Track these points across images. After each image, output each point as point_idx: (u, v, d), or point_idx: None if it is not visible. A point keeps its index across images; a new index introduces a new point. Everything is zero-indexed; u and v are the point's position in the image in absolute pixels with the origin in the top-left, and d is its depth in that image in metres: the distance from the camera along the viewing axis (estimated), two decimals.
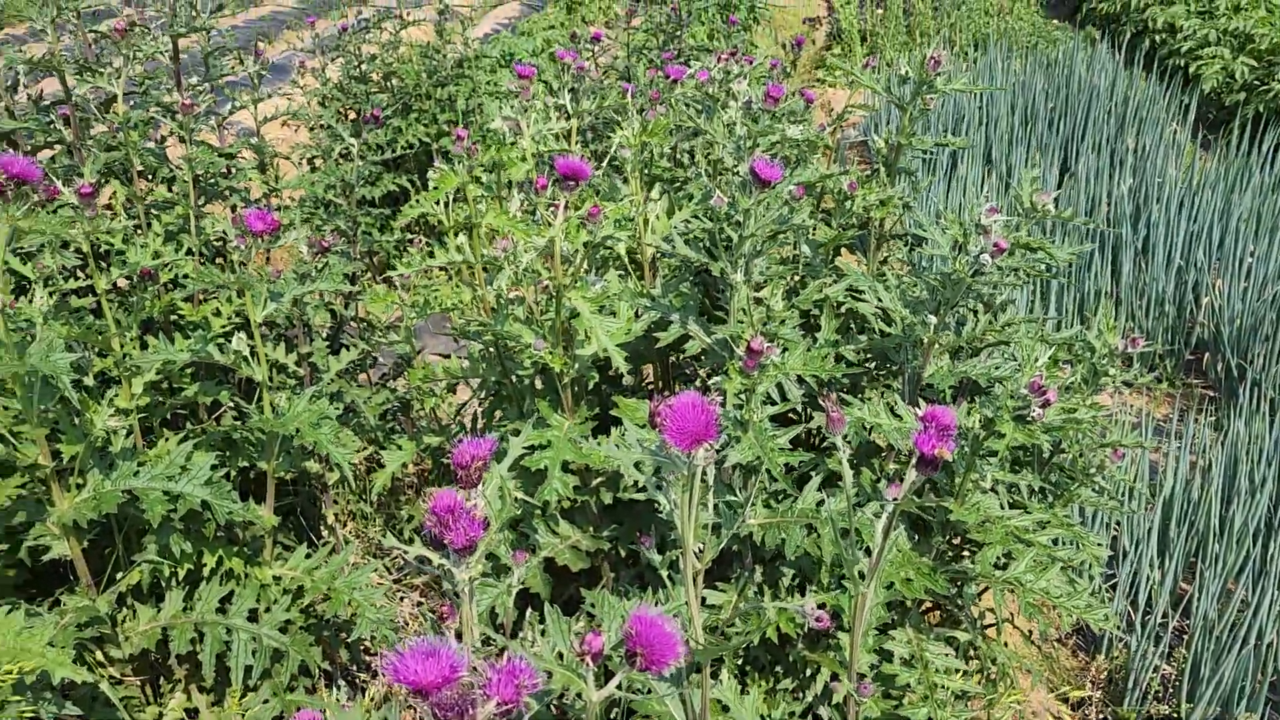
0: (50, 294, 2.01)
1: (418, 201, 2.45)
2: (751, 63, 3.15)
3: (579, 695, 1.17)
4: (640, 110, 2.40)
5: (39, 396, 2.05)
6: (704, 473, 1.31)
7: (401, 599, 3.12)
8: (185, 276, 2.51)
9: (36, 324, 2.02)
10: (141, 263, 2.24)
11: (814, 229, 2.64)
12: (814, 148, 2.79)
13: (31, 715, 1.96)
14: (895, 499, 1.26)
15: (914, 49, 10.64)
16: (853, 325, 2.52)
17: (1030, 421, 1.96)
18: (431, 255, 2.39)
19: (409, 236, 4.80)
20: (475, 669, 0.96)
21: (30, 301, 2.07)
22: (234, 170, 2.93)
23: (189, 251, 2.54)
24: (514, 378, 2.55)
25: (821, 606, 1.93)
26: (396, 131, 5.68)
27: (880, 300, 2.31)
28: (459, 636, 1.32)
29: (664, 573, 1.61)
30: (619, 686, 1.11)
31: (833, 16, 13.46)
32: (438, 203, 2.75)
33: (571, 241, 2.00)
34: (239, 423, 2.46)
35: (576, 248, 2.02)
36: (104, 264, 2.24)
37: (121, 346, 2.23)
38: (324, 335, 3.00)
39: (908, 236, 2.82)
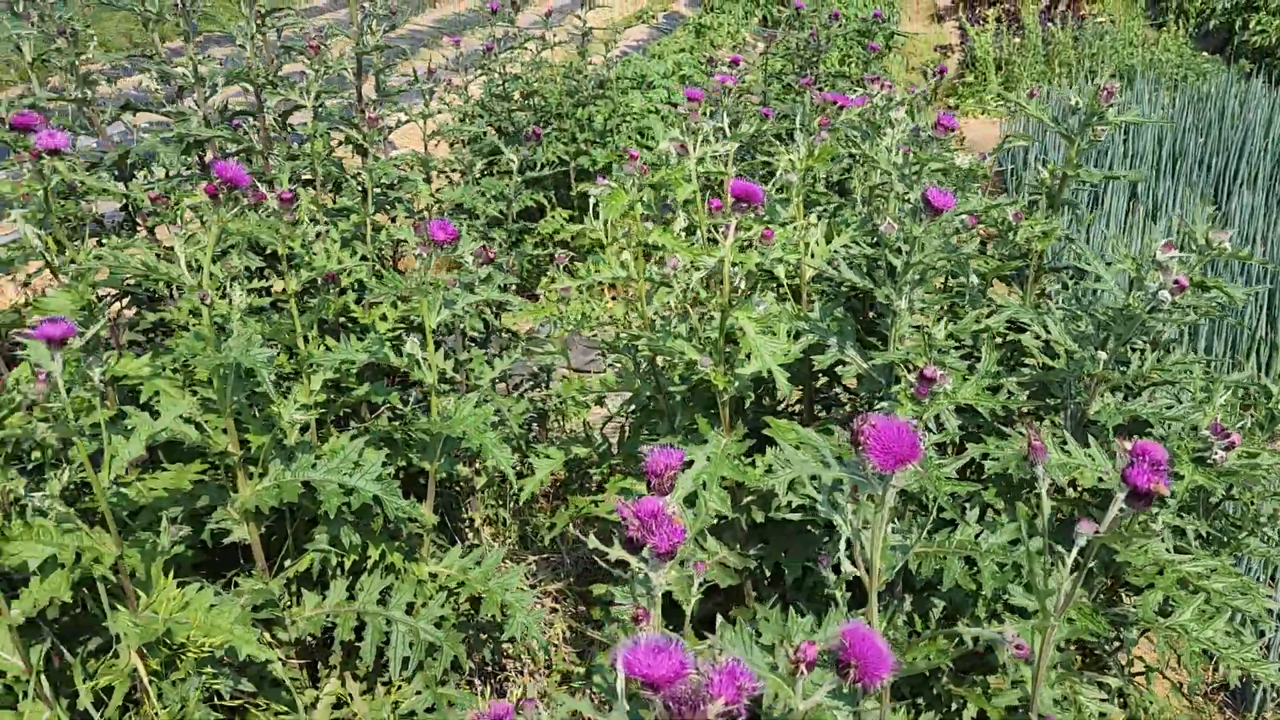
0: (245, 293, 2.14)
1: (572, 218, 2.53)
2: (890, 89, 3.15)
3: (775, 699, 1.20)
4: (806, 133, 2.43)
5: (231, 389, 2.18)
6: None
7: (537, 603, 3.19)
8: (359, 282, 2.64)
9: (232, 320, 2.15)
10: (328, 267, 2.36)
11: (973, 259, 2.62)
12: (974, 177, 2.77)
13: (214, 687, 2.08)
14: (1096, 532, 1.25)
15: (1053, 80, 10.41)
16: (1011, 357, 2.49)
17: (1210, 464, 1.91)
18: (597, 270, 2.46)
19: (546, 251, 4.92)
20: (697, 668, 0.99)
21: (225, 299, 2.21)
22: (401, 181, 3.06)
23: (363, 257, 2.67)
24: (666, 393, 2.59)
25: (975, 641, 1.92)
26: (534, 149, 5.81)
27: (1047, 333, 2.28)
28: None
29: (838, 593, 1.62)
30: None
31: (965, 45, 13.27)
32: (595, 218, 2.83)
33: (741, 263, 2.04)
34: (397, 423, 2.56)
35: (748, 268, 2.06)
36: (291, 267, 2.37)
37: (304, 345, 2.36)
38: (478, 343, 3.10)
39: (1066, 269, 2.78)
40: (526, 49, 6.09)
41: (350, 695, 2.58)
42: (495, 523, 3.48)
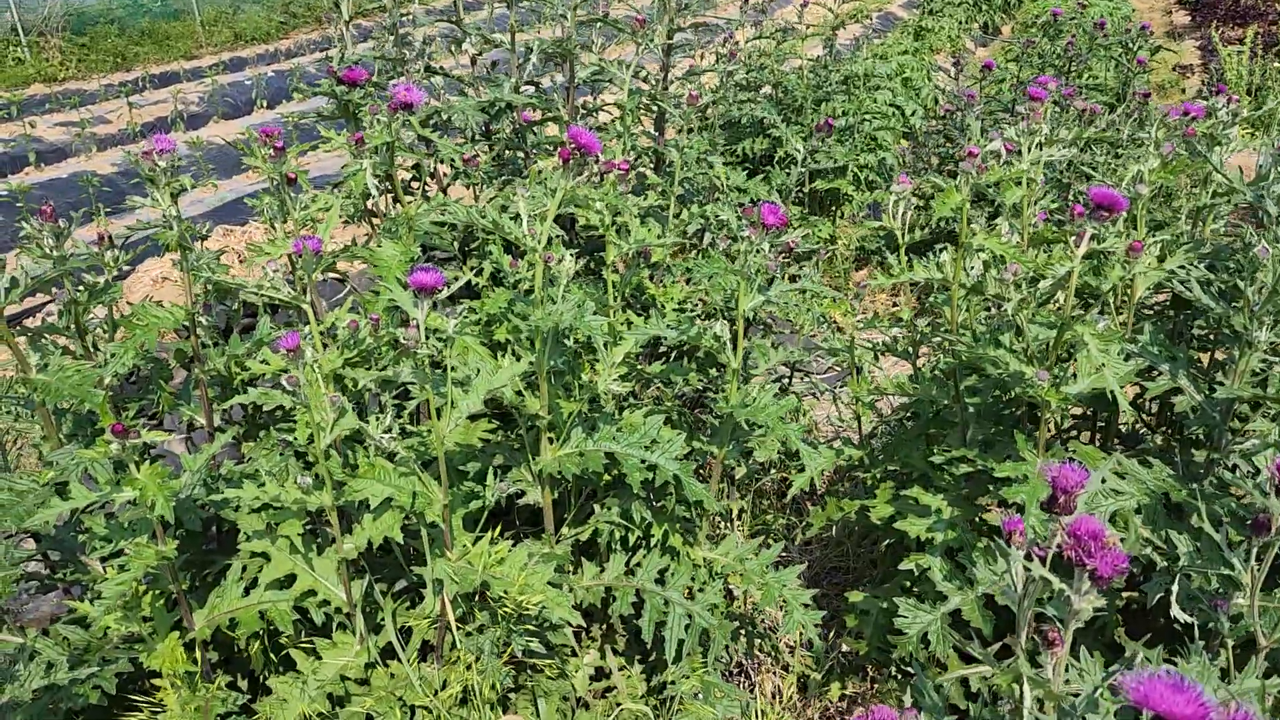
0: (574, 258, 2.16)
1: (806, 215, 2.44)
2: (1235, 101, 2.92)
3: None
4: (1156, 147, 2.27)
5: (549, 351, 2.20)
6: None
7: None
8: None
9: (559, 284, 2.17)
10: (646, 240, 2.37)
11: None
12: None
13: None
14: None
15: None
16: None
17: None
18: (910, 268, 2.37)
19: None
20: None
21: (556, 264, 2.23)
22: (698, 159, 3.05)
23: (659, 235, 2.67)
24: (962, 404, 2.49)
25: None
26: (775, 142, 5.76)
27: None
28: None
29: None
30: None
31: (1208, 64, 12.42)
32: (893, 218, 2.74)
33: (1106, 275, 1.92)
34: (677, 402, 2.54)
35: (1112, 283, 1.93)
36: (617, 236, 2.38)
37: (614, 316, 2.37)
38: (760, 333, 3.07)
39: None
40: (774, 38, 6.01)
41: (610, 669, 2.59)
42: (741, 515, 3.45)
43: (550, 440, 2.32)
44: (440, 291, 1.81)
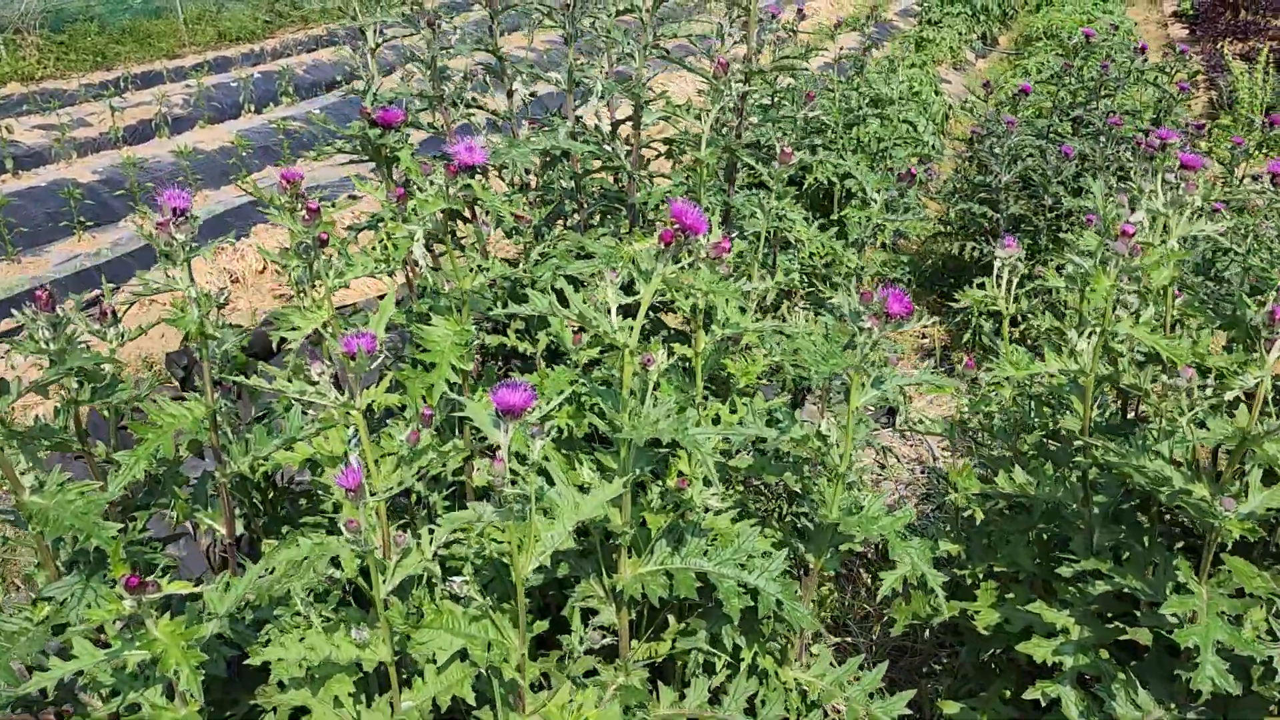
0: (667, 351, 1.83)
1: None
2: None
3: None
4: None
5: (634, 458, 1.89)
6: None
7: None
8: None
9: (649, 384, 1.85)
10: (740, 324, 2.04)
11: None
12: None
13: None
14: None
15: None
16: None
17: None
18: (1038, 361, 2.07)
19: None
20: None
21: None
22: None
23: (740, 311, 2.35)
24: (1088, 506, 2.19)
25: None
26: (804, 170, 5.45)
27: None
28: None
29: None
30: None
31: (1214, 81, 12.22)
32: (997, 285, 2.45)
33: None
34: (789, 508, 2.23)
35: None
36: (706, 325, 2.06)
37: (702, 412, 2.05)
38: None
39: None
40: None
41: None
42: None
43: (630, 552, 2.00)
44: (530, 413, 1.49)
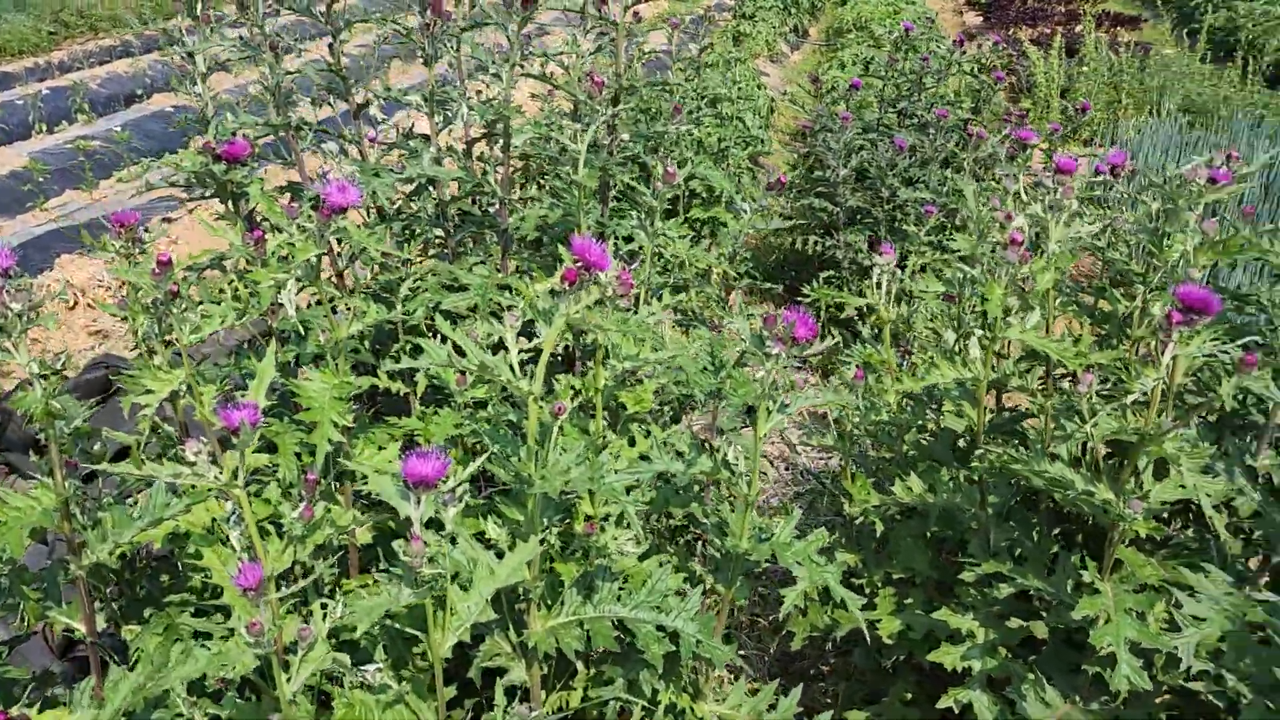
0: (571, 397, 1.73)
1: None
2: None
3: None
4: None
5: (541, 512, 1.78)
6: None
7: None
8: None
9: (551, 432, 1.75)
10: (640, 356, 1.96)
11: None
12: None
13: None
14: None
15: (1120, 112, 10.12)
16: None
17: None
18: (929, 371, 2.08)
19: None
20: None
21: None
22: None
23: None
24: (986, 509, 2.23)
25: None
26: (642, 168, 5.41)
27: None
28: None
29: None
30: None
31: (1012, 67, 12.93)
32: (877, 288, 2.46)
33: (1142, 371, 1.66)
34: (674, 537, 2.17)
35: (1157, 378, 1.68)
36: (604, 360, 1.96)
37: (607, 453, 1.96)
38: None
39: None
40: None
41: None
42: None
43: (539, 604, 1.89)
44: (445, 482, 1.36)
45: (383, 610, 1.32)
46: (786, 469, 4.56)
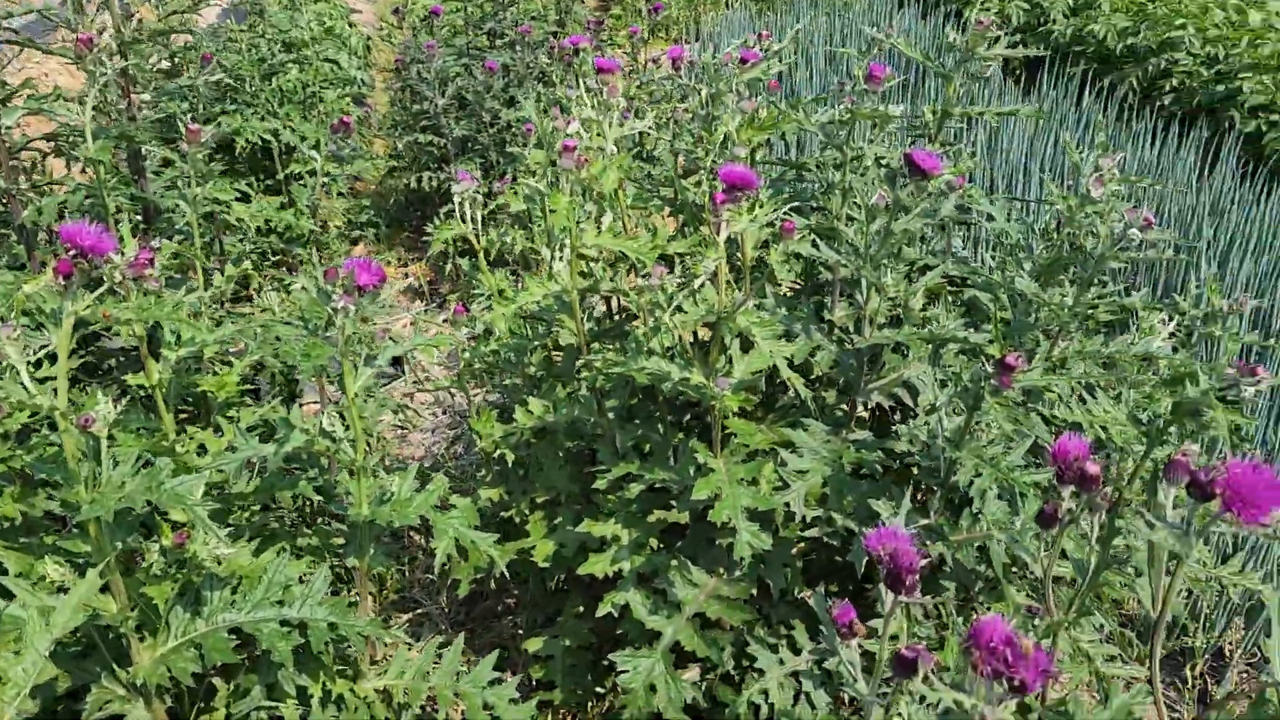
0: (111, 401, 1.52)
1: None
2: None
3: None
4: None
5: (111, 534, 1.57)
6: None
7: None
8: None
9: (102, 440, 1.53)
10: (199, 340, 1.74)
11: None
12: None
13: None
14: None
15: (701, 9, 10.61)
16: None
17: (1237, 403, 1.91)
18: (526, 291, 2.04)
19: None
20: None
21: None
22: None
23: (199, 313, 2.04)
24: (605, 415, 2.25)
25: None
26: (235, 134, 4.96)
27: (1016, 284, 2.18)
28: None
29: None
30: None
31: None
32: (464, 221, 2.39)
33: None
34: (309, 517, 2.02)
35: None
36: (153, 351, 1.74)
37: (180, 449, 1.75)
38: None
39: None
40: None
41: None
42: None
43: (141, 634, 1.69)
44: None
45: None
46: (444, 413, 4.46)
